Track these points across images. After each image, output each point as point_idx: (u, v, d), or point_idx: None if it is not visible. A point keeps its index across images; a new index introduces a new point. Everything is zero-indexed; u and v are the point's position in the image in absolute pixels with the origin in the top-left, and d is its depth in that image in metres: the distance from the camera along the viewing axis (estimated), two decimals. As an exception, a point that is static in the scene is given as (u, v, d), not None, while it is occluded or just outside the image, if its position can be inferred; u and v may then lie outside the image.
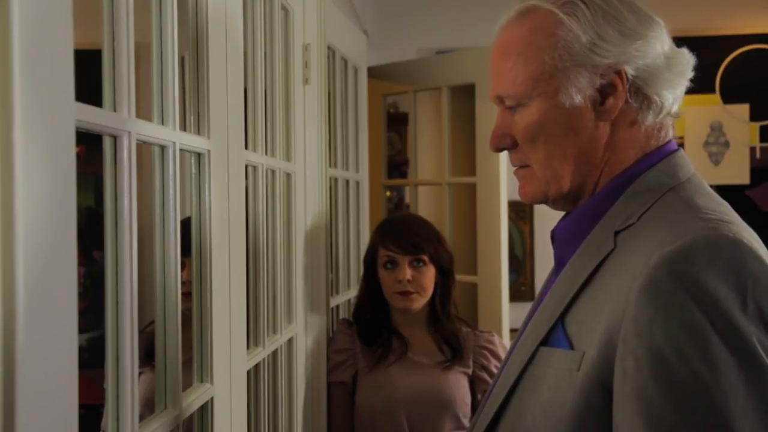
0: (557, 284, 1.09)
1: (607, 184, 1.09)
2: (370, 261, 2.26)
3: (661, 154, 1.09)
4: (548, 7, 1.08)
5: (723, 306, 0.90)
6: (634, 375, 0.92)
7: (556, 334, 1.04)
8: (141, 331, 1.09)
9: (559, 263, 1.14)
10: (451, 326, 2.24)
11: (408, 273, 2.17)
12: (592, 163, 1.09)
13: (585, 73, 1.06)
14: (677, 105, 1.11)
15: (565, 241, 1.14)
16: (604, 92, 1.07)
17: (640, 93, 1.07)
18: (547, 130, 1.08)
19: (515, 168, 1.17)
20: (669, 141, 1.12)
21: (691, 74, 1.11)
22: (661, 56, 1.08)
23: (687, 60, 1.11)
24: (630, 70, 1.06)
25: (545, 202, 1.15)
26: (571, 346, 1.01)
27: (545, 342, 1.05)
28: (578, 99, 1.07)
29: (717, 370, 0.89)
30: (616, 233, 1.04)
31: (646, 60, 1.06)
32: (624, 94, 1.07)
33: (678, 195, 1.05)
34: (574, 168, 1.09)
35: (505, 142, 1.14)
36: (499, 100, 1.14)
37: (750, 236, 0.96)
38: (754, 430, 0.88)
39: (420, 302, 2.20)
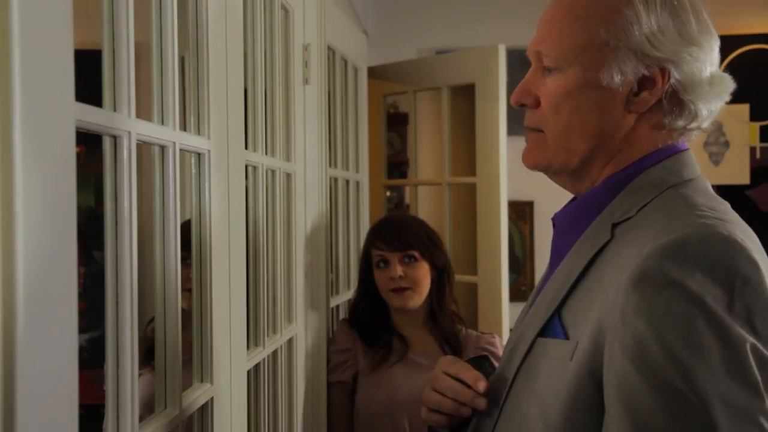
0: (555, 275, 1.10)
1: (611, 176, 1.09)
2: (365, 263, 2.27)
3: (668, 152, 1.09)
4: None
5: (709, 302, 0.90)
6: (617, 362, 0.93)
7: (552, 325, 1.05)
8: (142, 331, 1.09)
9: (557, 252, 1.14)
10: (448, 323, 2.24)
11: (399, 269, 2.17)
12: (605, 148, 1.08)
13: (633, 59, 1.05)
14: (709, 121, 1.11)
15: (564, 228, 1.13)
16: (642, 84, 1.06)
17: (675, 97, 1.07)
18: (575, 101, 1.07)
19: (527, 130, 1.14)
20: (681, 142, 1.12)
21: (728, 98, 1.10)
22: (707, 71, 1.07)
23: (728, 85, 1.10)
24: (675, 73, 1.05)
25: (546, 171, 1.14)
26: (567, 337, 1.02)
27: (542, 333, 1.06)
28: (617, 80, 1.05)
29: (698, 355, 0.89)
30: (614, 225, 1.05)
31: (692, 68, 1.06)
32: (660, 92, 1.06)
33: (678, 192, 1.05)
34: (588, 146, 1.08)
35: (528, 99, 1.12)
36: (537, 55, 1.11)
37: (746, 237, 0.96)
38: (732, 417, 0.88)
39: (415, 299, 2.20)
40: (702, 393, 0.88)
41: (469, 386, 1.14)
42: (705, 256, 0.92)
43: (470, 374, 1.15)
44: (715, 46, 1.09)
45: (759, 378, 0.90)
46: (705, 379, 0.88)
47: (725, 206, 1.05)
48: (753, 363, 0.90)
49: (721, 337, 0.90)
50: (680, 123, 1.08)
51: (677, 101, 1.07)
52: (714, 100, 1.09)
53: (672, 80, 1.06)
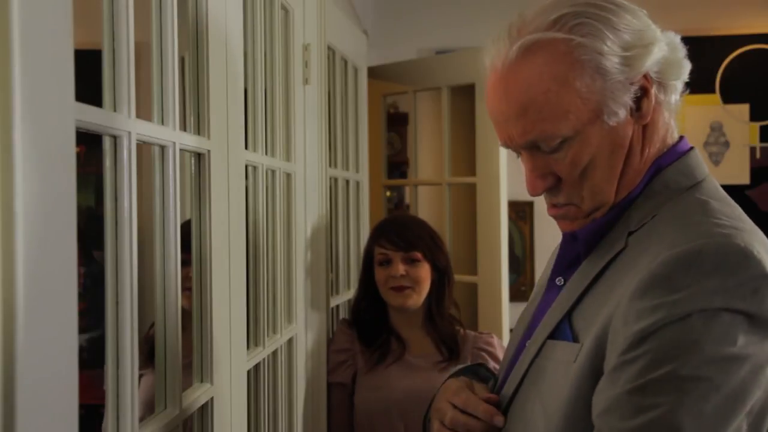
0: (571, 282, 1.10)
1: (635, 187, 1.08)
2: (367, 261, 2.27)
3: (677, 153, 1.10)
4: (557, 36, 1.03)
5: (715, 311, 0.90)
6: (613, 357, 0.94)
7: (562, 328, 1.06)
8: (144, 334, 1.10)
9: (572, 260, 1.13)
10: (446, 325, 2.24)
11: (401, 268, 2.17)
12: (631, 168, 1.08)
13: (620, 86, 1.04)
14: (678, 93, 1.11)
15: (589, 240, 1.11)
16: (638, 99, 1.06)
17: (662, 85, 1.08)
18: (596, 156, 1.05)
19: (553, 207, 1.11)
20: (681, 138, 1.12)
21: (685, 51, 1.11)
22: (663, 44, 1.07)
23: (676, 38, 1.10)
24: (653, 69, 1.06)
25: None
26: (575, 340, 1.03)
27: (552, 335, 1.07)
28: (622, 113, 1.04)
29: (688, 352, 0.89)
30: (630, 233, 1.05)
31: (659, 54, 1.06)
32: (653, 93, 1.06)
33: (693, 196, 1.05)
34: (619, 180, 1.07)
35: (549, 181, 1.08)
36: (530, 145, 1.07)
37: (761, 246, 0.96)
38: (700, 427, 0.88)
39: (415, 299, 2.20)
40: (683, 388, 0.88)
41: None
42: (720, 267, 0.92)
43: (480, 408, 1.12)
44: (647, 18, 1.09)
45: (746, 391, 0.90)
46: (691, 372, 0.89)
47: (739, 211, 1.05)
48: (744, 372, 0.90)
49: (720, 344, 0.90)
50: (674, 99, 1.10)
51: (664, 87, 1.08)
52: (683, 62, 1.09)
53: (654, 77, 1.06)
